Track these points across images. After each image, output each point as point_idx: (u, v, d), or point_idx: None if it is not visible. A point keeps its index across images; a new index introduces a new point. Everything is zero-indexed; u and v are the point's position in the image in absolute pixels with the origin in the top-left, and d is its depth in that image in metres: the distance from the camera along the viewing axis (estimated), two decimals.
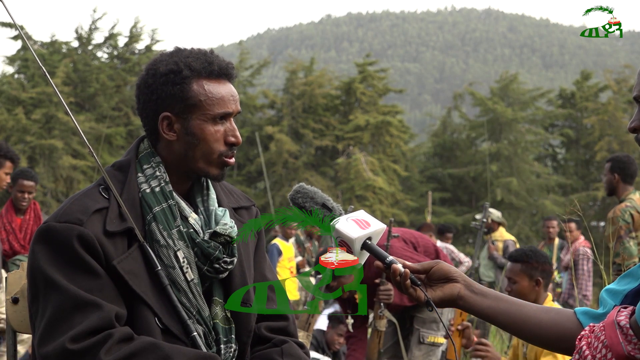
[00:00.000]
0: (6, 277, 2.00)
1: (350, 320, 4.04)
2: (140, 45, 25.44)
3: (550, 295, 3.65)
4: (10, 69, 24.49)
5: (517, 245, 9.11)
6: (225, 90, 1.82)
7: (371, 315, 4.12)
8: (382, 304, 3.76)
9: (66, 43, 24.95)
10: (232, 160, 1.85)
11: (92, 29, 24.91)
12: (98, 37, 35.03)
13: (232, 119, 1.84)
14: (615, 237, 4.87)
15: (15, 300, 1.97)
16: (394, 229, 3.85)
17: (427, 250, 4.08)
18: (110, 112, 22.99)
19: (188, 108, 1.79)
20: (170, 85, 1.78)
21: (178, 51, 1.84)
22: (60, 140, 21.39)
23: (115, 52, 25.32)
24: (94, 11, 25.39)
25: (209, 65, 1.80)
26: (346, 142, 24.70)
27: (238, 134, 1.85)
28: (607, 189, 5.30)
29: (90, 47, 25.02)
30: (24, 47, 23.53)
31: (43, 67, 1.80)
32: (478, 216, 9.44)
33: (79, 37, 24.96)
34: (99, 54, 25.45)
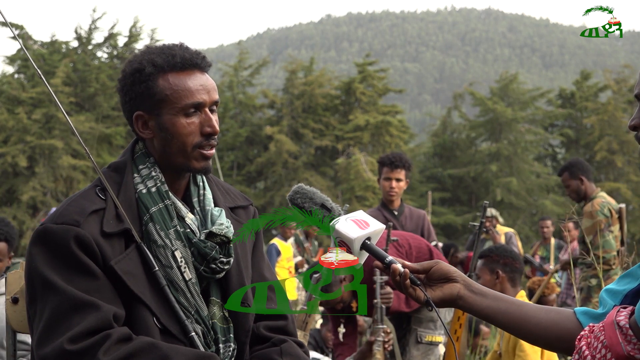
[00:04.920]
0: (6, 277, 2.00)
1: (342, 330, 4.03)
2: (139, 45, 25.43)
3: (522, 292, 3.71)
4: (10, 69, 24.52)
5: (517, 237, 9.16)
6: (194, 81, 1.80)
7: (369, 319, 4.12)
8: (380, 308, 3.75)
9: (66, 43, 24.96)
10: (211, 151, 1.83)
11: (92, 29, 24.93)
12: (98, 37, 35.04)
13: (206, 110, 1.81)
14: (594, 231, 4.96)
15: (15, 300, 1.97)
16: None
17: (420, 250, 4.08)
18: (110, 112, 22.99)
19: (157, 104, 1.78)
20: (137, 84, 1.78)
21: (146, 49, 1.84)
22: (60, 140, 21.39)
23: (115, 52, 25.33)
24: (94, 11, 25.42)
25: (172, 58, 1.79)
26: (346, 142, 24.71)
27: (214, 123, 1.81)
28: (576, 197, 5.37)
29: (90, 47, 25.03)
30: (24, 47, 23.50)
31: (38, 70, 1.80)
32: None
33: (79, 37, 24.97)
34: (99, 53, 25.48)
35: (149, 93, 1.78)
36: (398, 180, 4.75)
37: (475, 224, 3.76)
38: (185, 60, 1.79)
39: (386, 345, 3.61)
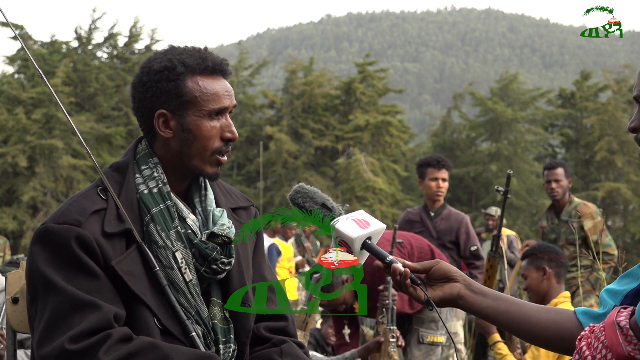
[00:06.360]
0: (6, 277, 2.00)
1: (347, 331, 4.05)
2: (139, 45, 25.46)
3: (567, 293, 3.64)
4: (10, 69, 24.52)
5: (518, 240, 9.14)
6: (220, 85, 1.82)
7: (370, 325, 4.13)
8: (383, 310, 3.76)
9: (66, 43, 24.95)
10: (225, 158, 1.85)
11: (92, 29, 24.92)
12: (98, 37, 35.05)
13: (227, 115, 1.84)
14: (597, 231, 5.04)
15: (15, 300, 1.97)
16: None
17: (422, 251, 4.09)
18: (110, 112, 22.98)
19: (183, 104, 1.79)
20: (165, 82, 1.78)
21: (172, 49, 1.84)
22: (60, 140, 21.38)
23: (115, 52, 25.32)
24: (94, 11, 25.35)
25: (203, 61, 1.80)
26: (346, 142, 24.71)
27: (234, 129, 1.85)
28: (560, 195, 5.34)
29: (90, 47, 25.02)
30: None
31: (39, 69, 1.80)
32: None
33: (79, 37, 24.96)
34: (99, 53, 25.47)
35: (177, 93, 1.78)
36: (444, 180, 4.88)
37: (501, 188, 3.77)
38: (216, 64, 1.82)
39: (399, 343, 3.63)
